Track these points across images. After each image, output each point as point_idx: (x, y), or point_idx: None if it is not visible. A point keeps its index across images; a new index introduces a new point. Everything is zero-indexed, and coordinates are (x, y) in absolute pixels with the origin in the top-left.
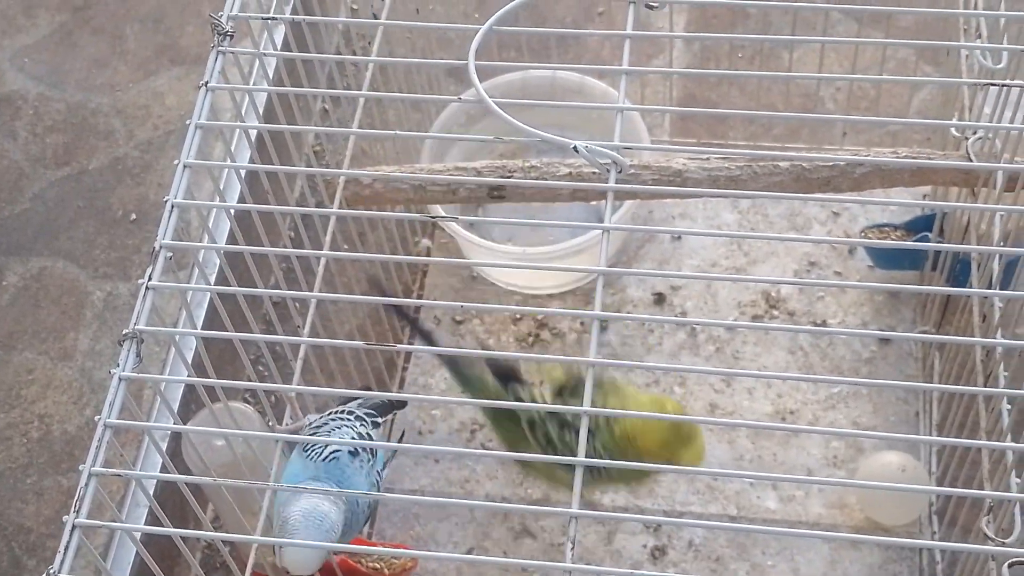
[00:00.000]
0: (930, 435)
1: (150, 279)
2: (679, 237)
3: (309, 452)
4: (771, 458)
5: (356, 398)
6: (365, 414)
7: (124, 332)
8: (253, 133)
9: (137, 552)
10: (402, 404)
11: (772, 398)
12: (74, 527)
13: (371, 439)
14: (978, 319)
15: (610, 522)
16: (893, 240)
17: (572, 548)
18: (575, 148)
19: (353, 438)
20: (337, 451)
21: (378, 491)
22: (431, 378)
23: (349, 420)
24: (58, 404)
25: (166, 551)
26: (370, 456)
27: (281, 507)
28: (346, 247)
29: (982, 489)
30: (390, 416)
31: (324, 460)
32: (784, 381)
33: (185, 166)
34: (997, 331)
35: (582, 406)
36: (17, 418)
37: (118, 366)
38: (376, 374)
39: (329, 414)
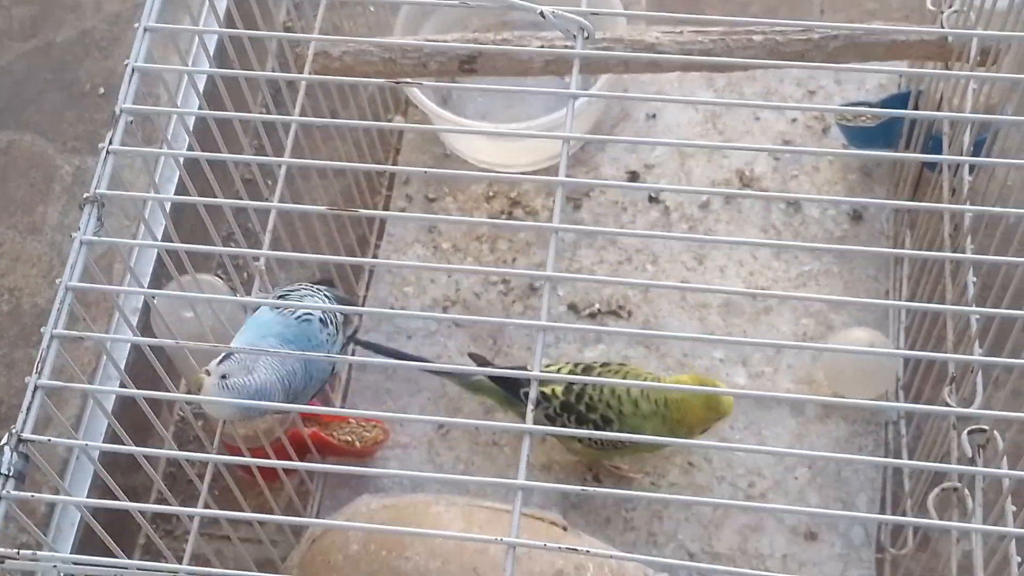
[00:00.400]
0: (900, 313)
1: (111, 143)
2: (654, 115)
3: (281, 310)
4: (741, 334)
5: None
6: (332, 296)
7: (85, 196)
8: (221, 6)
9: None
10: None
11: (744, 276)
12: (36, 388)
13: (337, 319)
14: (947, 192)
15: None
16: (867, 120)
17: (533, 409)
18: (541, 13)
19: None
20: (310, 314)
21: (332, 373)
22: (403, 255)
23: (319, 293)
24: (27, 277)
25: (138, 423)
26: (335, 332)
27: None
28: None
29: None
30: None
31: (296, 319)
32: (756, 259)
33: (146, 29)
34: (966, 203)
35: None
36: None
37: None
38: (348, 251)
39: (300, 286)
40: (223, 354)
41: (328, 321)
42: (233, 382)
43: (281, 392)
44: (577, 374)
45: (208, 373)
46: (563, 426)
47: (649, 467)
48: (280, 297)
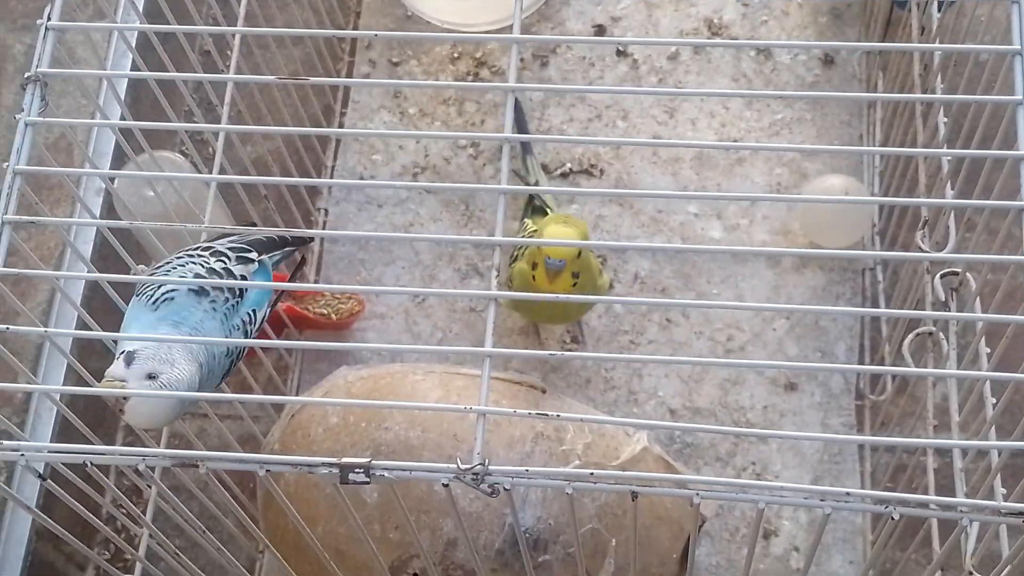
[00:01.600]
0: (874, 158)
1: (49, 19)
2: None
3: (141, 295)
4: (715, 187)
5: (229, 235)
6: (233, 248)
7: (26, 75)
8: None
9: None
10: (303, 241)
11: (716, 127)
12: None
13: (239, 277)
14: (916, 31)
15: None
16: None
17: (497, 275)
18: None
19: (199, 276)
20: (173, 291)
21: (246, 335)
22: (370, 122)
23: (201, 256)
24: None
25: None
26: (229, 296)
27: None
28: None
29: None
30: (285, 250)
31: (155, 302)
32: (727, 110)
33: None
34: (935, 41)
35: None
36: None
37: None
38: (313, 121)
39: (179, 255)
40: (121, 353)
41: (208, 288)
42: (166, 379)
43: (207, 376)
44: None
45: (117, 380)
46: None
47: (627, 325)
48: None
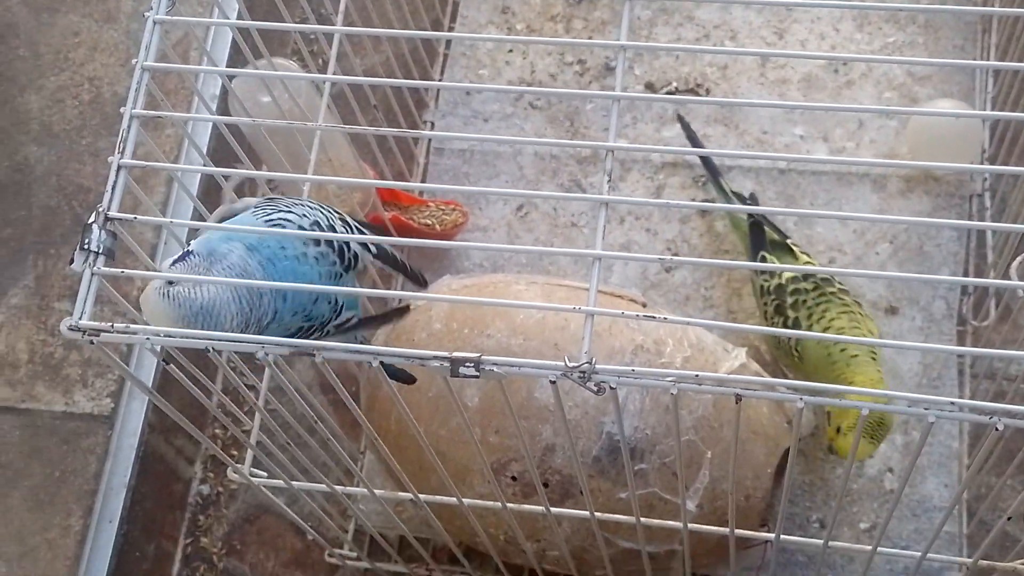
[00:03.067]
0: (987, 81)
1: None
2: None
3: (259, 211)
4: (823, 111)
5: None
6: (360, 230)
7: None
8: None
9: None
10: (417, 279)
11: (825, 49)
12: (119, 167)
13: (352, 252)
14: None
15: (659, 177)
16: None
17: (608, 181)
18: None
19: (331, 226)
20: (287, 219)
21: (334, 311)
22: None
23: (336, 214)
24: (106, 66)
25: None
26: (337, 261)
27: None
28: None
29: None
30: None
31: (268, 221)
32: (838, 32)
33: None
34: None
35: None
36: (67, 80)
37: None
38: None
39: (313, 204)
40: (181, 253)
41: (324, 242)
42: (176, 292)
43: (237, 315)
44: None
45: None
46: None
47: (728, 245)
48: (267, 199)
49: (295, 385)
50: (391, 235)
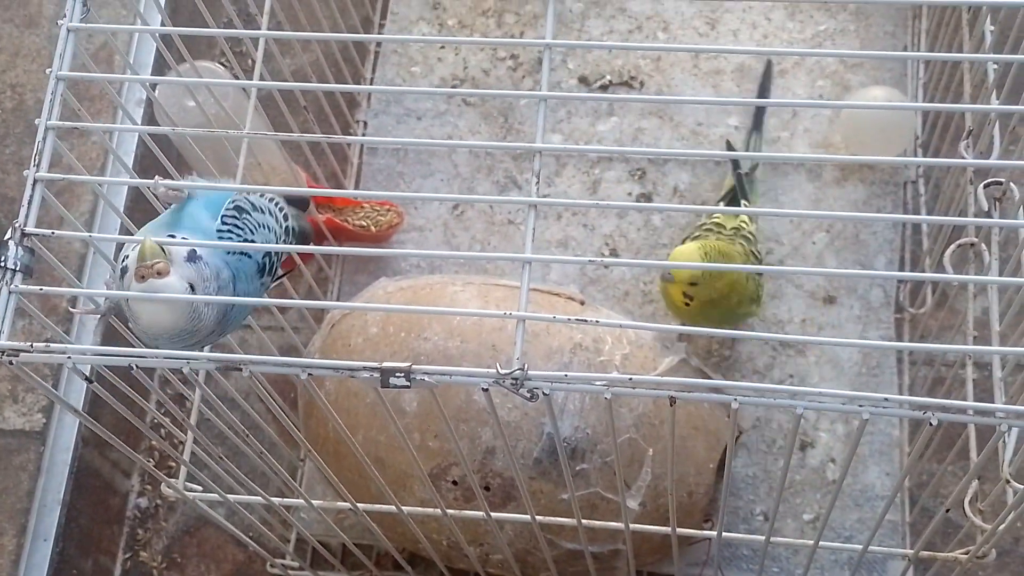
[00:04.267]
0: (918, 69)
1: None
2: None
3: (200, 199)
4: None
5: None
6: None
7: None
8: None
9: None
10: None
11: (757, 39)
12: (35, 181)
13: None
14: None
15: (595, 172)
16: None
17: (537, 183)
18: None
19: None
20: (249, 253)
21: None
22: (409, 34)
23: (278, 213)
24: (28, 72)
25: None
26: (269, 283)
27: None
28: None
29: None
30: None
31: (234, 254)
32: (770, 21)
33: None
34: None
35: None
36: None
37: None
38: (352, 32)
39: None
40: (189, 253)
41: (267, 268)
42: (197, 306)
43: (213, 328)
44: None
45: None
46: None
47: (666, 238)
48: (236, 208)
49: (229, 395)
50: (326, 237)
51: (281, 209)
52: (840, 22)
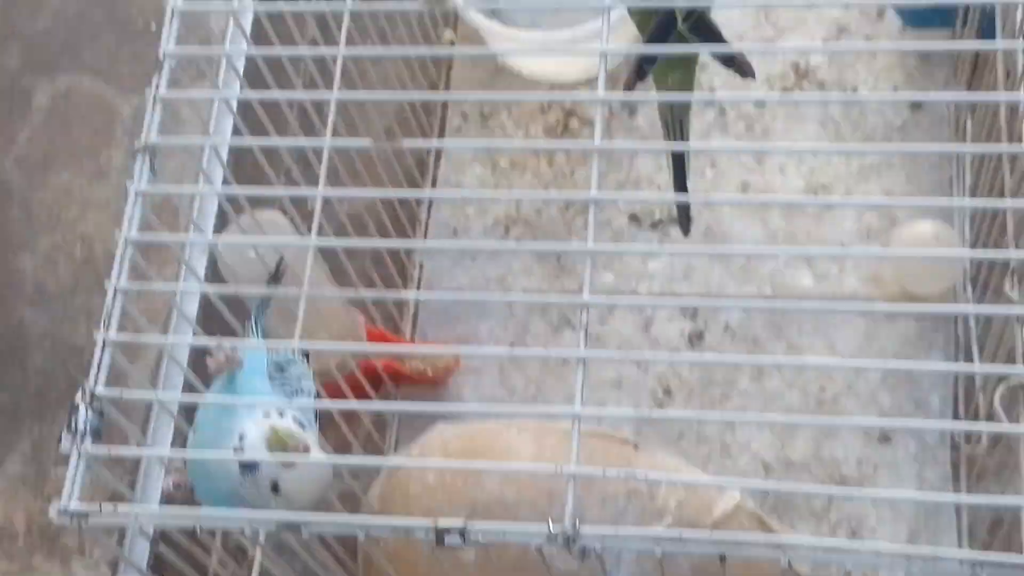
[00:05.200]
0: (964, 197)
1: (157, 89)
2: None
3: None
4: (804, 235)
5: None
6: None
7: (136, 145)
8: None
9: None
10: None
11: (804, 173)
12: (105, 343)
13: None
14: (1002, 75)
15: (647, 310)
16: None
17: (585, 336)
18: None
19: None
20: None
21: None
22: (463, 175)
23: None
24: (98, 224)
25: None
26: None
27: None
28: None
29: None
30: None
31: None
32: (816, 156)
33: None
34: (1022, 86)
35: None
36: (60, 240)
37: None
38: (407, 173)
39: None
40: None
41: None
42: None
43: None
44: None
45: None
46: None
47: (719, 377)
48: (277, 366)
49: (290, 545)
50: (384, 382)
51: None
52: (886, 155)
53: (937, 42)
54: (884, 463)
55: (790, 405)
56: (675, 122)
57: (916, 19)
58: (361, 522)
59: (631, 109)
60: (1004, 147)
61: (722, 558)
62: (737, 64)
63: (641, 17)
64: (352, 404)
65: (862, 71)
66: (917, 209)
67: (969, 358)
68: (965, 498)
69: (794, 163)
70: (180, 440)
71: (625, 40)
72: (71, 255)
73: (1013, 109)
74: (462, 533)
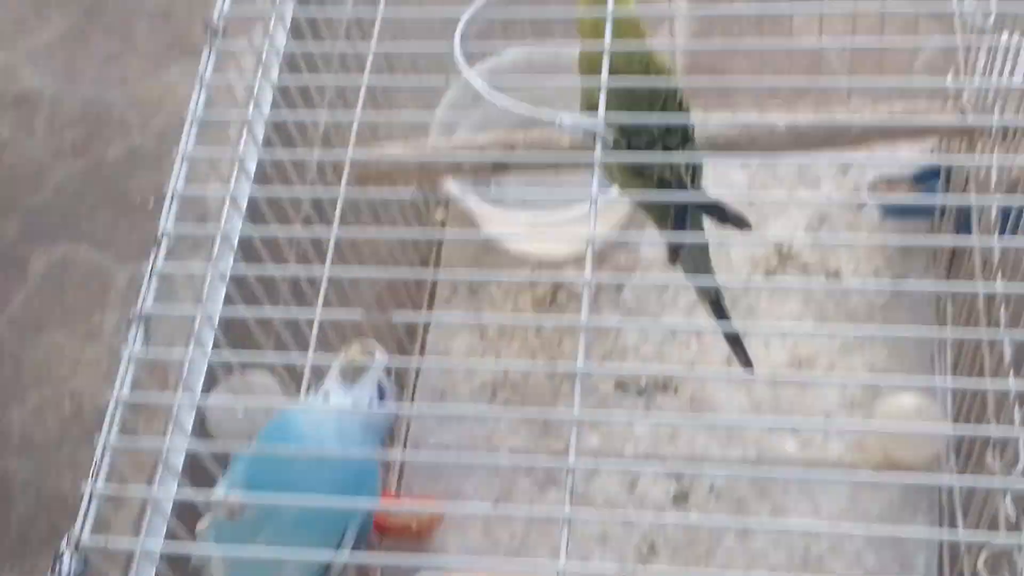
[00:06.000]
0: (945, 376)
1: (154, 265)
2: None
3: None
4: (788, 404)
5: None
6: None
7: (132, 313)
8: (259, 130)
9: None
10: None
11: (788, 347)
12: (91, 495)
13: None
14: (979, 267)
15: (633, 469)
16: (901, 193)
17: (570, 496)
18: (558, 125)
19: None
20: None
21: None
22: (452, 342)
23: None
24: (88, 381)
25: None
26: None
27: None
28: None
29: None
30: None
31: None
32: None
33: (184, 158)
34: (998, 275)
35: None
36: (50, 395)
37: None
38: (396, 342)
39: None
40: None
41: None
42: None
43: None
44: None
45: None
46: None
47: (703, 535)
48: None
49: None
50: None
51: None
52: (868, 331)
53: (917, 237)
54: None
55: (775, 564)
56: (710, 295)
57: (894, 212)
58: None
59: (618, 285)
60: (983, 332)
61: None
62: (732, 219)
63: (659, 212)
64: (339, 555)
65: (843, 255)
66: (900, 380)
67: (953, 523)
68: None
69: (778, 337)
70: None
71: (611, 222)
72: (59, 409)
73: (991, 297)
74: None
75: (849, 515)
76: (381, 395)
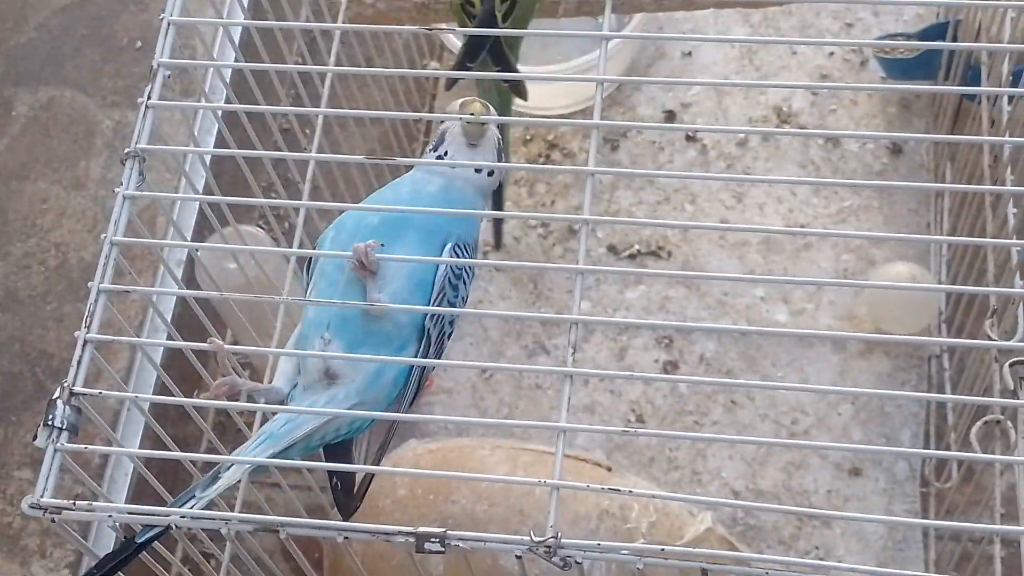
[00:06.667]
0: (941, 247)
1: (149, 98)
2: (689, 53)
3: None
4: (781, 271)
5: None
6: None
7: (126, 151)
8: None
9: (157, 375)
10: None
11: (783, 212)
12: (85, 342)
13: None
14: (987, 124)
15: (622, 339)
16: (905, 52)
17: (573, 353)
18: None
19: None
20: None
21: None
22: None
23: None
24: (73, 232)
25: (186, 373)
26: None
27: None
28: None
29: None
30: None
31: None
32: (795, 196)
33: None
34: (1005, 134)
35: None
36: (34, 247)
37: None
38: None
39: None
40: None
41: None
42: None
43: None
44: None
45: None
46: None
47: (692, 406)
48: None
49: (255, 553)
50: None
51: None
52: (864, 198)
53: (922, 84)
54: (853, 495)
55: (762, 435)
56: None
57: (898, 70)
58: (341, 526)
59: (613, 144)
60: (987, 187)
61: (704, 572)
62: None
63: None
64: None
65: (843, 116)
66: (894, 252)
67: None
68: (936, 523)
69: (773, 202)
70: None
71: (616, 71)
72: (44, 262)
73: (996, 156)
74: (442, 540)
75: (838, 387)
76: (499, 158)
